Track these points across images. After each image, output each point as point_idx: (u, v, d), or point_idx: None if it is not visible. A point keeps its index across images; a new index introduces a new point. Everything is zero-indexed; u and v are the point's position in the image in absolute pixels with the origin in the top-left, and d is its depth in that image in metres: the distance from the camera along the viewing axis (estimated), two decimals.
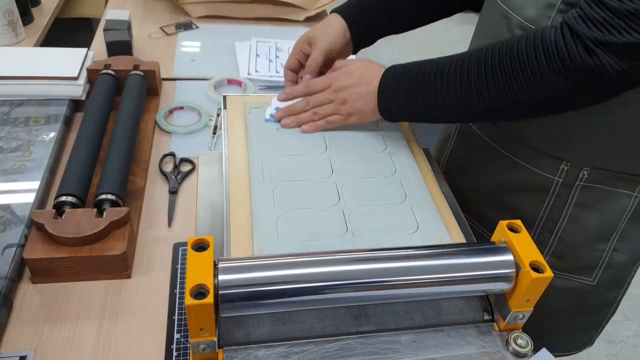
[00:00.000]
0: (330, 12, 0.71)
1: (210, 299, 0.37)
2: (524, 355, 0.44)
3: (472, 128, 0.71)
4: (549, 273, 0.42)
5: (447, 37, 2.88)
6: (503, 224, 0.46)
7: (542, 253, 0.66)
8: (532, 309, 0.45)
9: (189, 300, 0.36)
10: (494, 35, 0.61)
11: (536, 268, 0.42)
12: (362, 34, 0.71)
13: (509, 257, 0.44)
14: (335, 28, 0.69)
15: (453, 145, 0.78)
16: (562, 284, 0.70)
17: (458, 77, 0.54)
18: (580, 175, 0.61)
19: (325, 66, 0.70)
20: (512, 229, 0.46)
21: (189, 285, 0.37)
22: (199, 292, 0.37)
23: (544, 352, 0.43)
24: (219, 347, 0.41)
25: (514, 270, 0.44)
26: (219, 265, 0.40)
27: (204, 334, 0.39)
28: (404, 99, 0.58)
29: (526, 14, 0.57)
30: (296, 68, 0.72)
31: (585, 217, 0.64)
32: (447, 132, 0.80)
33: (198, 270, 0.38)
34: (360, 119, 0.63)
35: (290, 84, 0.72)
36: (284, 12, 1.25)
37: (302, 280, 0.41)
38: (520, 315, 0.45)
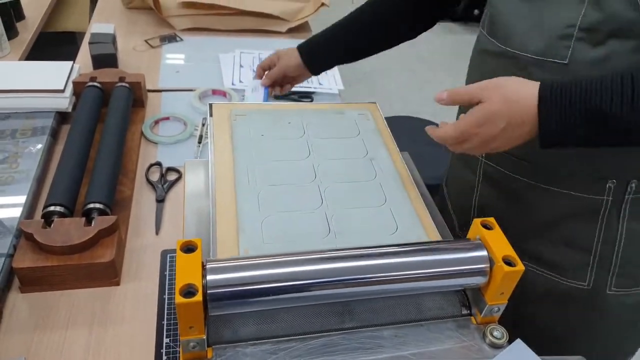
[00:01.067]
0: (297, 47, 0.86)
1: (199, 297, 0.38)
2: (500, 347, 0.46)
3: (498, 169, 0.68)
4: (520, 267, 0.45)
5: (428, 47, 2.94)
6: (477, 221, 0.49)
7: (607, 278, 0.64)
8: (507, 301, 0.48)
9: (178, 299, 0.38)
10: (500, 74, 0.55)
11: (508, 262, 0.45)
12: (317, 67, 0.87)
13: (484, 253, 0.47)
14: (292, 61, 0.85)
15: (481, 193, 0.73)
16: (632, 300, 0.66)
17: None
18: (629, 189, 0.59)
19: (284, 80, 0.89)
20: (486, 226, 0.48)
21: (179, 284, 0.39)
22: (188, 291, 0.39)
23: (518, 342, 0.45)
24: (208, 346, 0.43)
25: (488, 265, 0.46)
26: (207, 266, 0.41)
27: (194, 332, 0.40)
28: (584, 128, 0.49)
29: (533, 49, 0.56)
30: (265, 69, 0.90)
31: None
32: (466, 182, 0.75)
33: (187, 271, 0.40)
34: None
35: (259, 78, 0.91)
36: (267, 24, 1.27)
37: (288, 278, 0.42)
38: (496, 308, 0.48)
